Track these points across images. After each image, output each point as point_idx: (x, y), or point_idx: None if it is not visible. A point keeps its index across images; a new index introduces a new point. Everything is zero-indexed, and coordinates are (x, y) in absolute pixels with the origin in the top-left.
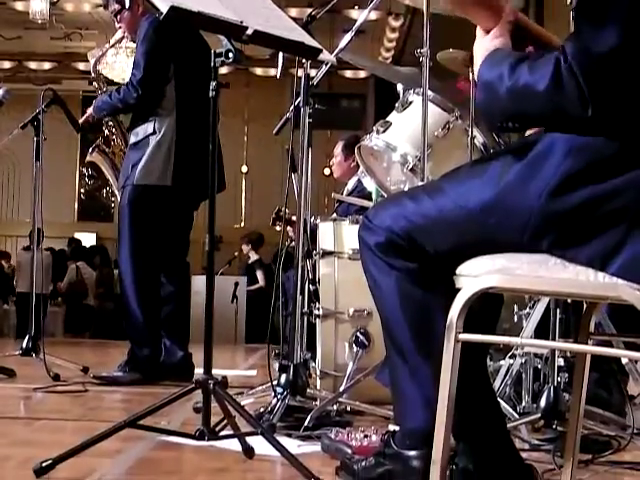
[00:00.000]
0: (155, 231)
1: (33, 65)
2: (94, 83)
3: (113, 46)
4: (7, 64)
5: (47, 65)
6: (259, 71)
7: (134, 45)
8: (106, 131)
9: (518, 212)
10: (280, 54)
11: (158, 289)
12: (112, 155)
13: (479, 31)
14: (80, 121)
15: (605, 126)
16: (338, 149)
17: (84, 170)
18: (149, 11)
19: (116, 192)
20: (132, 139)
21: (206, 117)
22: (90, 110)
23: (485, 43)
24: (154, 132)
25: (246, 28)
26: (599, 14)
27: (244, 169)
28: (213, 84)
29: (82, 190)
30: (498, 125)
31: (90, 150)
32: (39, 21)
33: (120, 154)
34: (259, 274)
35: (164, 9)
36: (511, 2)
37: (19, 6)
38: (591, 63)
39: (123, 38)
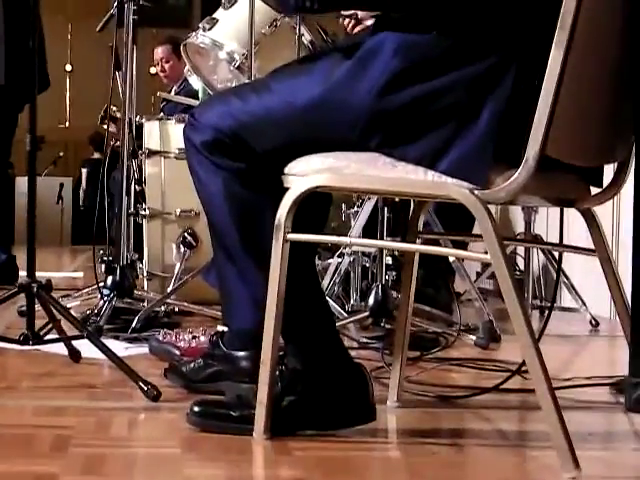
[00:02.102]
0: None
1: None
2: None
3: None
4: None
5: None
6: None
7: None
8: None
9: (346, 110)
10: None
11: None
12: None
13: None
14: None
15: (429, 16)
16: (161, 53)
17: None
18: None
19: None
20: None
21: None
22: None
23: None
24: None
25: None
26: None
27: (68, 68)
28: None
29: None
30: (297, 6)
31: None
32: None
33: None
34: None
35: None
36: None
37: None
38: None
39: None
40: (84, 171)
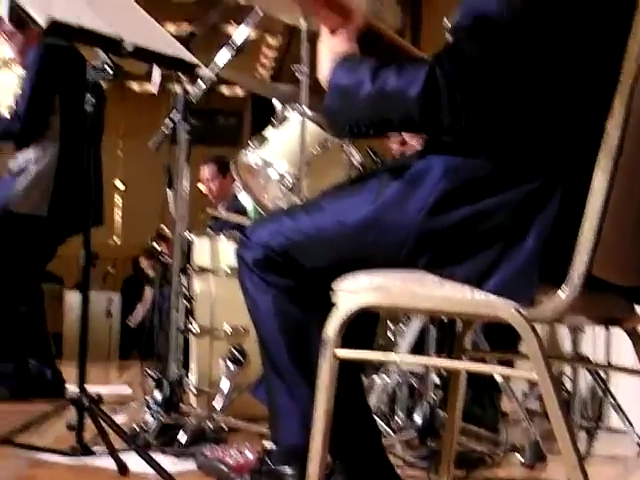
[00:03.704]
0: (14, 258)
1: None
2: None
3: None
4: None
5: None
6: (135, 86)
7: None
8: None
9: (395, 229)
10: (157, 69)
11: (15, 312)
12: None
13: (324, 31)
14: None
15: (477, 141)
16: (206, 173)
17: None
18: (41, 38)
19: None
20: (10, 164)
21: (89, 144)
22: None
23: (332, 45)
24: (35, 161)
25: (125, 42)
26: (478, 29)
27: (119, 185)
28: (89, 98)
29: None
30: (351, 131)
31: None
32: None
33: None
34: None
35: (43, 23)
36: (367, 7)
37: None
38: (467, 72)
39: (8, 61)
40: (148, 290)
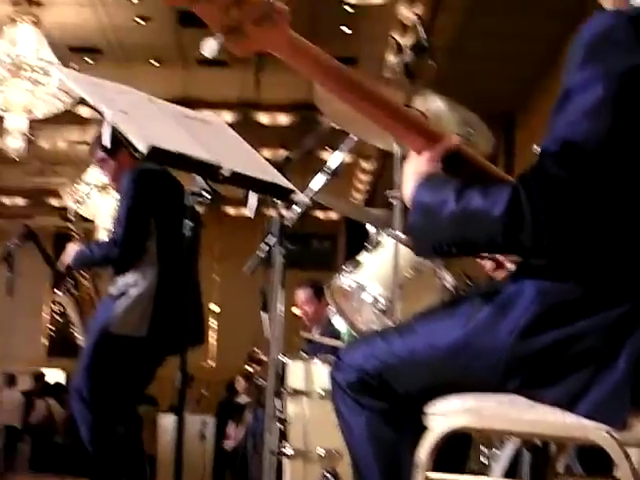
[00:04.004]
0: (114, 380)
1: (6, 200)
2: (70, 222)
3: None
4: None
5: (20, 200)
6: (231, 210)
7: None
8: (78, 275)
9: (487, 353)
10: (253, 194)
11: (113, 433)
12: (80, 299)
13: (412, 152)
14: (58, 269)
15: (565, 264)
16: (302, 297)
17: (54, 306)
18: (133, 163)
19: (78, 336)
20: (111, 289)
21: (187, 267)
22: (67, 260)
23: (417, 165)
24: (134, 284)
25: (222, 169)
26: (564, 154)
27: (215, 308)
28: (187, 223)
29: (52, 326)
30: (435, 250)
31: (58, 290)
32: (14, 157)
33: (88, 299)
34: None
35: (144, 149)
36: (457, 131)
37: None
38: (552, 194)
39: (107, 185)
40: (244, 413)
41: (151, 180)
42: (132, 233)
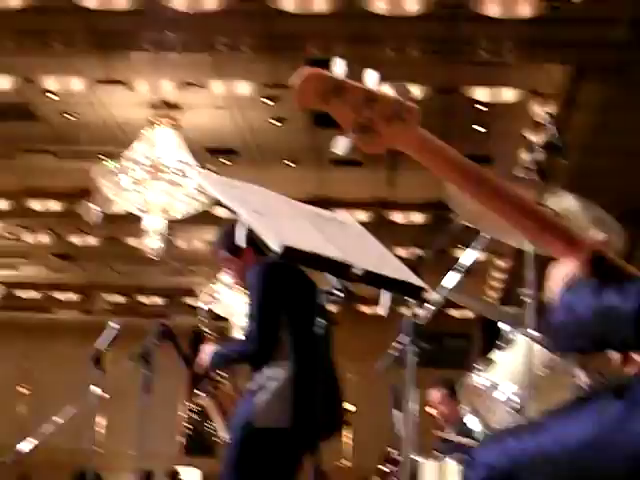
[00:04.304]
0: (262, 474)
1: (145, 299)
2: (202, 322)
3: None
4: (120, 298)
5: (158, 299)
6: (365, 309)
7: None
8: (216, 375)
9: (620, 448)
10: (386, 292)
11: None
12: (221, 399)
13: (556, 255)
14: (196, 371)
15: None
16: (436, 397)
17: (191, 405)
18: (258, 259)
19: (222, 435)
20: (249, 384)
21: (322, 356)
22: (205, 362)
23: (563, 269)
24: (272, 377)
25: (355, 268)
26: None
27: (349, 407)
28: (320, 321)
29: (188, 424)
30: (573, 346)
31: (200, 394)
32: (153, 257)
33: (229, 398)
34: None
35: (278, 249)
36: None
37: (133, 242)
38: None
39: (234, 284)
40: None
41: (279, 273)
42: (265, 326)
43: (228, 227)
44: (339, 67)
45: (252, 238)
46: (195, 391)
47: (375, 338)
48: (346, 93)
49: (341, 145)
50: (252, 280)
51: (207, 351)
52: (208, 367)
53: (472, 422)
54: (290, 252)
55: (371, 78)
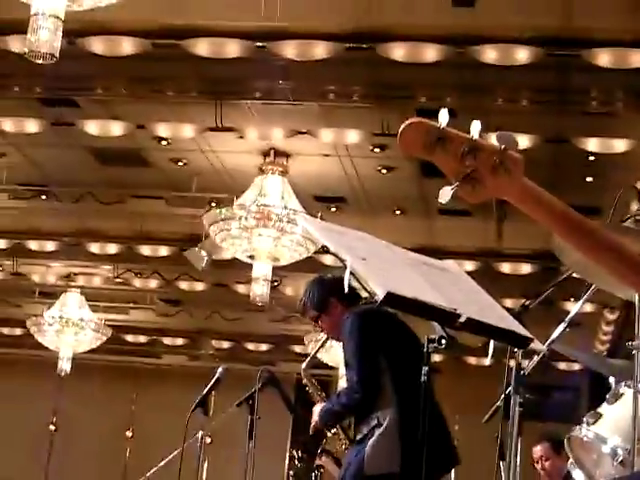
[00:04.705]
0: None
1: (251, 346)
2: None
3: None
4: (226, 344)
5: (264, 346)
6: (471, 359)
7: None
8: (328, 433)
9: None
10: (491, 342)
11: None
12: (337, 454)
13: None
14: (310, 433)
15: None
16: (540, 451)
17: (294, 452)
18: (348, 310)
19: None
20: (358, 436)
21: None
22: (317, 423)
23: None
24: (378, 425)
25: (459, 315)
26: None
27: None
28: (425, 369)
29: (291, 472)
30: None
31: (319, 453)
32: (259, 304)
33: (343, 450)
34: None
35: (381, 294)
36: None
37: (241, 289)
38: None
39: (327, 339)
40: None
41: (373, 319)
42: (366, 372)
43: (310, 285)
44: (444, 117)
45: (337, 289)
46: (318, 458)
47: (479, 388)
48: (449, 143)
49: (444, 194)
50: (347, 329)
51: (316, 411)
52: (320, 427)
53: (578, 477)
54: (393, 298)
55: (476, 127)
